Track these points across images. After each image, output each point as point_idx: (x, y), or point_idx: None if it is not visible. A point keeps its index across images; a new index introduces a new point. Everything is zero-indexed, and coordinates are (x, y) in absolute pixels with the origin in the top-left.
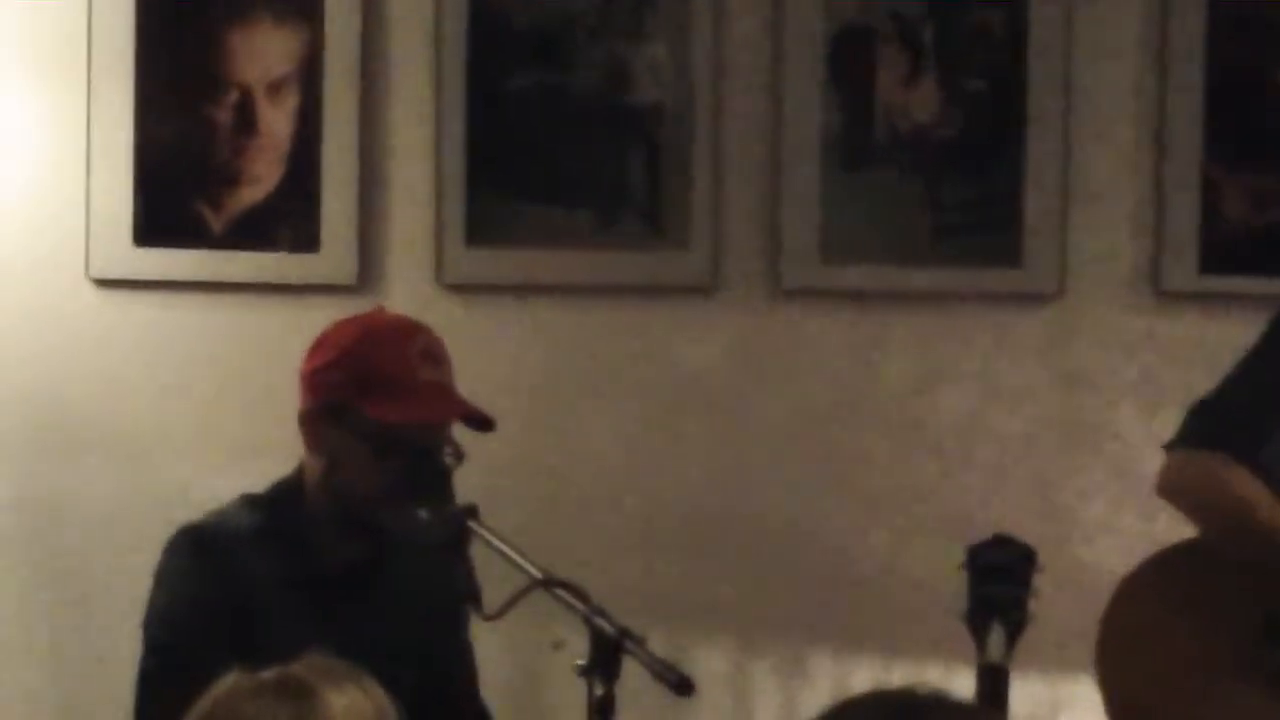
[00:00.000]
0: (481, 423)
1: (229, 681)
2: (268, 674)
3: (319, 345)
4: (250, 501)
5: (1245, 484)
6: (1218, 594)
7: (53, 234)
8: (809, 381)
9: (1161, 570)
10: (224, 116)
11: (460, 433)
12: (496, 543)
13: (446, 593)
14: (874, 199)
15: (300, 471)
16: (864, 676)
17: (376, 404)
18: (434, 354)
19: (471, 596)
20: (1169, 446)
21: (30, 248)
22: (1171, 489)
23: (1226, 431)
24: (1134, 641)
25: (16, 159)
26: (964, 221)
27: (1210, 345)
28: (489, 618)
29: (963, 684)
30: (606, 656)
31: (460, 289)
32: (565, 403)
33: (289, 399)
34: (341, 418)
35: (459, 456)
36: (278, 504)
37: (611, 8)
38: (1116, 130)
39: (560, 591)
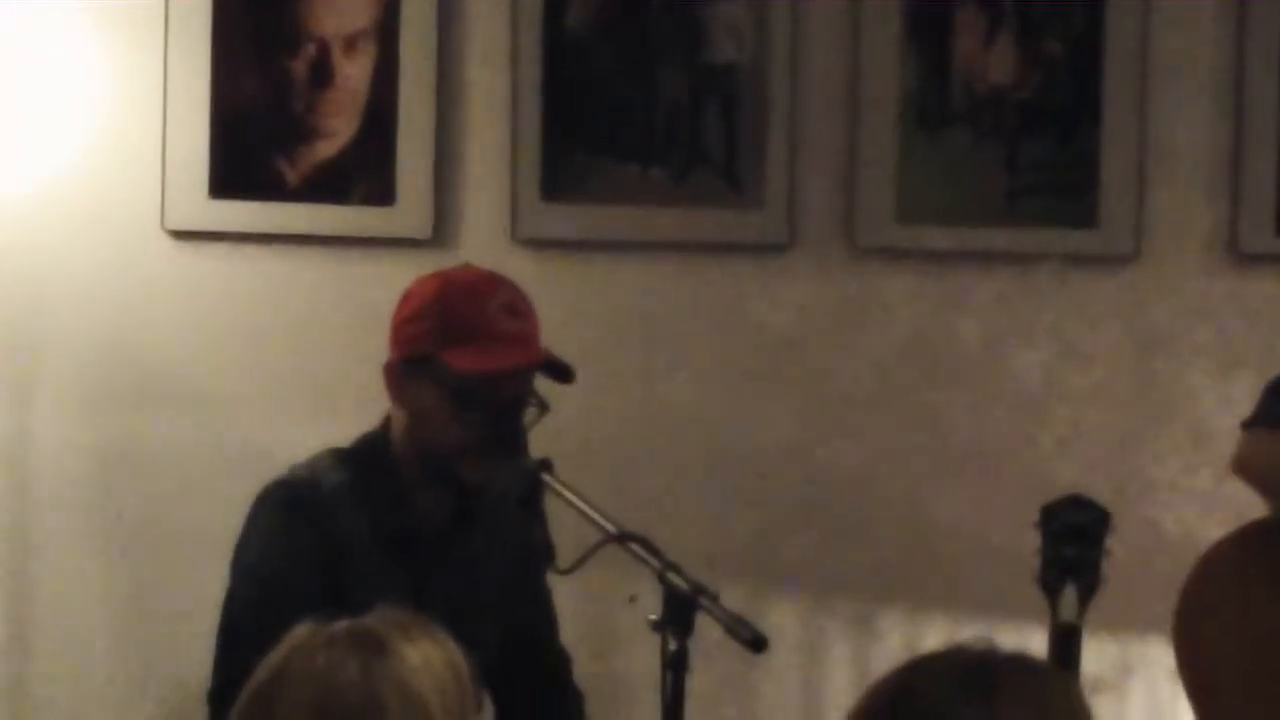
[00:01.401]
0: (561, 372)
1: (302, 633)
2: (340, 626)
3: (405, 299)
4: (338, 456)
5: None
6: None
7: (128, 185)
8: (883, 340)
9: (1243, 546)
10: (300, 70)
11: (541, 387)
12: (571, 497)
13: (524, 547)
14: (950, 159)
15: (386, 425)
16: (935, 635)
17: (458, 354)
18: (516, 307)
19: (545, 551)
20: (1246, 425)
21: (106, 199)
22: (1249, 468)
23: None
24: (1213, 619)
25: (94, 110)
26: (1040, 183)
27: None
28: (563, 572)
29: (1035, 644)
30: (680, 612)
31: (534, 244)
32: (638, 360)
33: (364, 352)
34: (425, 370)
35: (543, 407)
36: (366, 458)
37: None
38: (1194, 92)
39: (634, 546)
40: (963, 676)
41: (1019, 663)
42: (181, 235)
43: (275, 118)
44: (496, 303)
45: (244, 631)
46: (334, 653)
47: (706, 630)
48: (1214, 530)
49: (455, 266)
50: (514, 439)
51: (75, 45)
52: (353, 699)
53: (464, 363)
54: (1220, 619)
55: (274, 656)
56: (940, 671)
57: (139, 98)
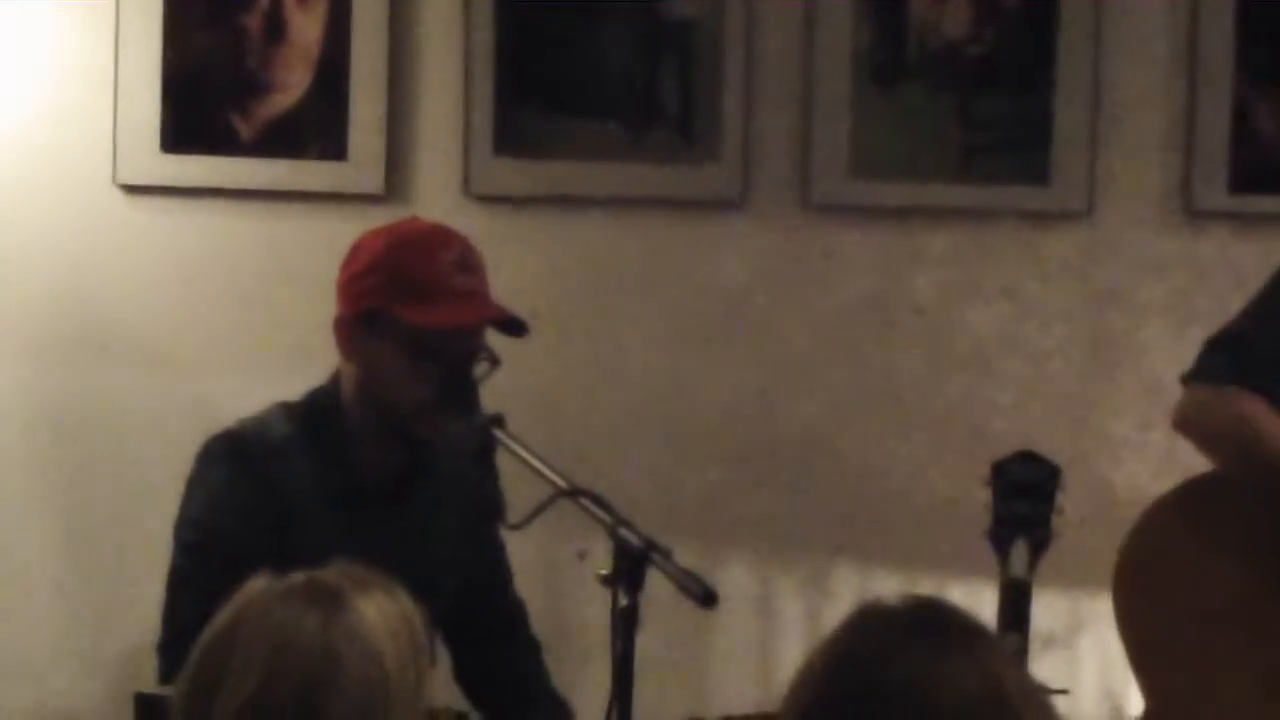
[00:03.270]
0: (514, 327)
1: (259, 585)
2: (297, 579)
3: (354, 253)
4: (286, 410)
5: (1266, 419)
6: (1240, 528)
7: (80, 140)
8: (838, 296)
9: (1182, 504)
10: (253, 23)
11: (493, 341)
12: (522, 452)
13: (477, 500)
14: (905, 115)
15: (336, 381)
16: (887, 591)
17: (411, 309)
18: (468, 261)
19: (496, 505)
20: (1186, 380)
21: (58, 154)
22: (1189, 423)
23: (1247, 366)
24: (1153, 575)
25: (45, 65)
26: (995, 139)
27: (1240, 265)
28: (513, 527)
29: (986, 599)
30: (631, 567)
31: (488, 200)
32: (593, 316)
33: (315, 307)
34: (377, 324)
35: (495, 362)
36: (315, 413)
37: None
38: (1148, 47)
39: (585, 501)
40: (908, 627)
41: (963, 617)
42: (133, 190)
43: (228, 71)
44: (449, 257)
45: (193, 582)
46: (289, 606)
47: (658, 586)
48: (1165, 486)
49: (403, 219)
50: (467, 394)
51: (24, 7)
52: (309, 652)
53: (418, 318)
54: (1159, 577)
55: (228, 610)
56: (887, 622)
57: (91, 52)
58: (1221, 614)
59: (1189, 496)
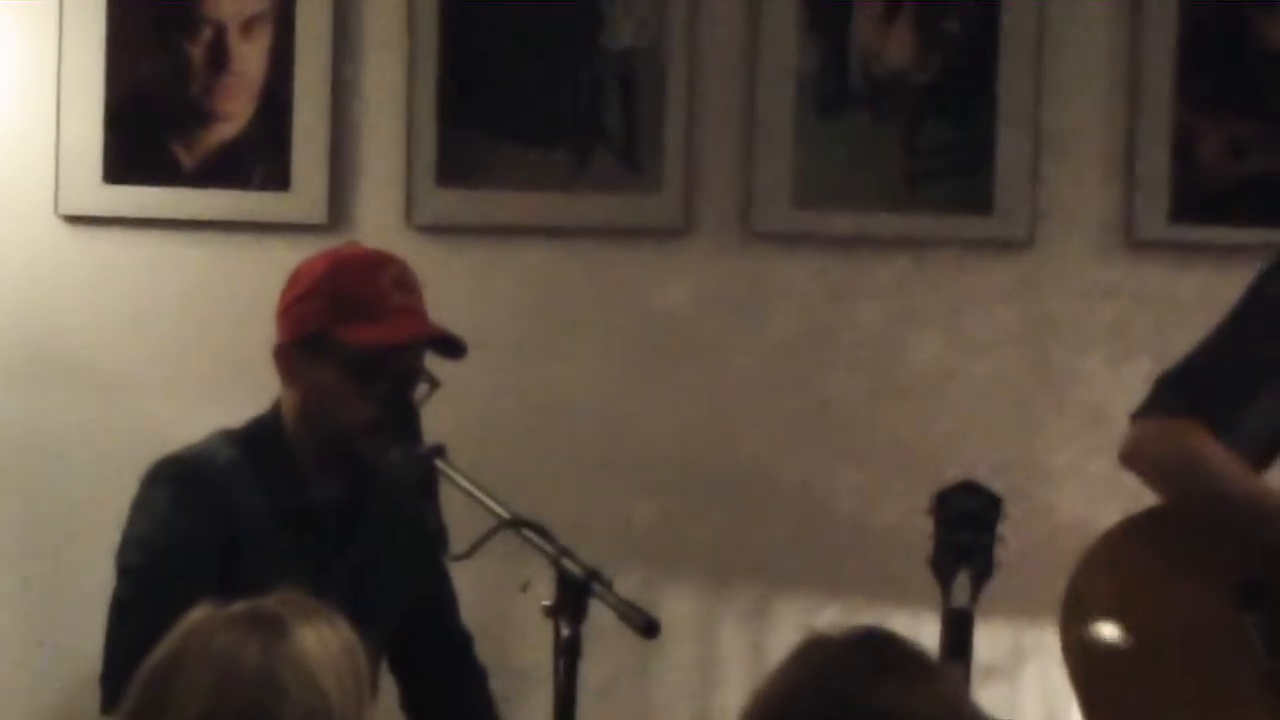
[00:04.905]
0: (453, 348)
1: (201, 614)
2: (239, 607)
3: (293, 280)
4: (229, 436)
5: (1215, 455)
6: (1188, 561)
7: (22, 170)
8: (780, 324)
9: (1133, 535)
10: (197, 53)
11: (434, 366)
12: (464, 483)
13: (420, 530)
14: (848, 143)
15: (278, 408)
16: (831, 621)
17: (352, 329)
18: (406, 282)
19: (437, 536)
20: (1136, 415)
21: (0, 184)
22: (1138, 458)
23: (1197, 401)
24: (1102, 607)
25: None
26: (937, 167)
27: (1181, 295)
28: (457, 558)
29: (928, 629)
30: (573, 598)
31: (430, 229)
32: (537, 344)
33: (258, 336)
34: (319, 347)
35: (434, 384)
36: (257, 439)
37: None
38: (1089, 77)
39: (527, 532)
40: (870, 660)
41: (913, 648)
42: (76, 220)
43: (171, 101)
44: (387, 277)
45: (136, 609)
46: (233, 635)
47: (600, 616)
48: (1109, 516)
49: (341, 245)
50: (409, 417)
51: None
52: (251, 680)
53: (359, 337)
54: (1108, 609)
55: (171, 638)
56: (833, 657)
57: (33, 81)
58: (1171, 647)
59: (1138, 529)
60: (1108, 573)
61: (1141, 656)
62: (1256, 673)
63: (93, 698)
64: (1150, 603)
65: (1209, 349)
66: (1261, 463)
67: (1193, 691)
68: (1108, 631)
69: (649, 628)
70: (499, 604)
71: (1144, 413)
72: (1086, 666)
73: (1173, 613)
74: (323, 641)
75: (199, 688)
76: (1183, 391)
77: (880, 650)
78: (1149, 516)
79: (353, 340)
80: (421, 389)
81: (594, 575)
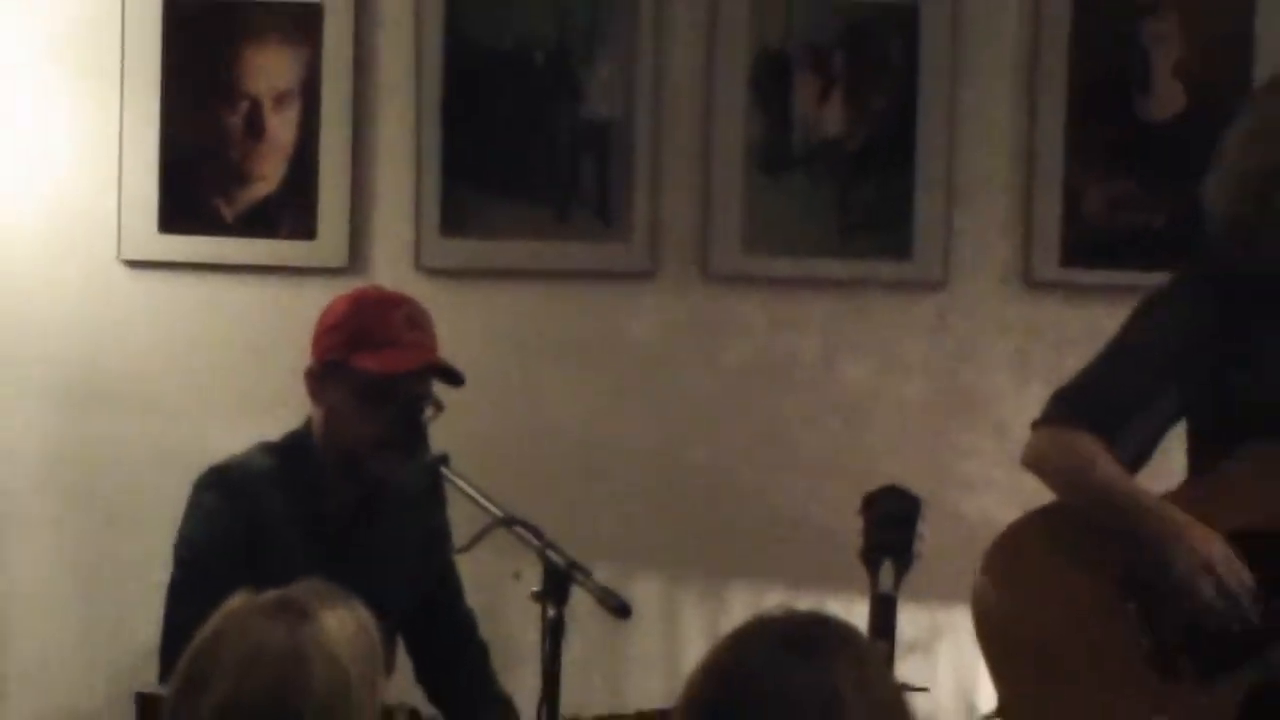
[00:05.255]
0: (453, 377)
1: (237, 601)
2: (269, 595)
3: (323, 315)
4: (266, 448)
5: (1102, 460)
6: (1081, 550)
7: (88, 221)
8: (732, 353)
9: (1035, 526)
10: (236, 122)
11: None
12: (465, 486)
13: (428, 528)
14: (789, 200)
15: (308, 424)
16: (775, 604)
17: (365, 358)
18: (416, 319)
19: (444, 532)
20: (1036, 424)
21: (69, 233)
22: (1036, 462)
23: (1088, 413)
24: (1008, 587)
25: (58, 156)
26: (865, 220)
27: (1072, 327)
28: (458, 551)
29: (858, 612)
30: (557, 585)
31: (436, 273)
32: (525, 371)
33: (289, 364)
34: (338, 374)
35: (438, 407)
36: (290, 450)
37: (568, 35)
38: (993, 143)
39: (518, 529)
40: (786, 639)
41: (835, 625)
42: (135, 265)
43: (215, 164)
44: (399, 315)
45: (186, 594)
46: (264, 618)
47: (581, 601)
48: (1010, 515)
49: (365, 286)
50: (415, 434)
51: (43, 100)
52: (279, 657)
53: (370, 365)
54: (1014, 589)
55: (212, 621)
56: (767, 636)
57: (98, 145)
58: (1067, 621)
59: (1040, 521)
60: (1012, 561)
61: (1039, 633)
62: (1135, 652)
63: (152, 668)
64: (1047, 588)
65: (1097, 370)
66: (1136, 466)
67: (1081, 665)
68: (1011, 612)
69: (622, 610)
70: (495, 590)
71: (1042, 423)
72: (995, 637)
73: (1066, 597)
74: (342, 623)
75: (234, 663)
76: (1075, 406)
77: (797, 630)
78: (1045, 514)
79: (364, 367)
80: (428, 411)
81: (575, 566)
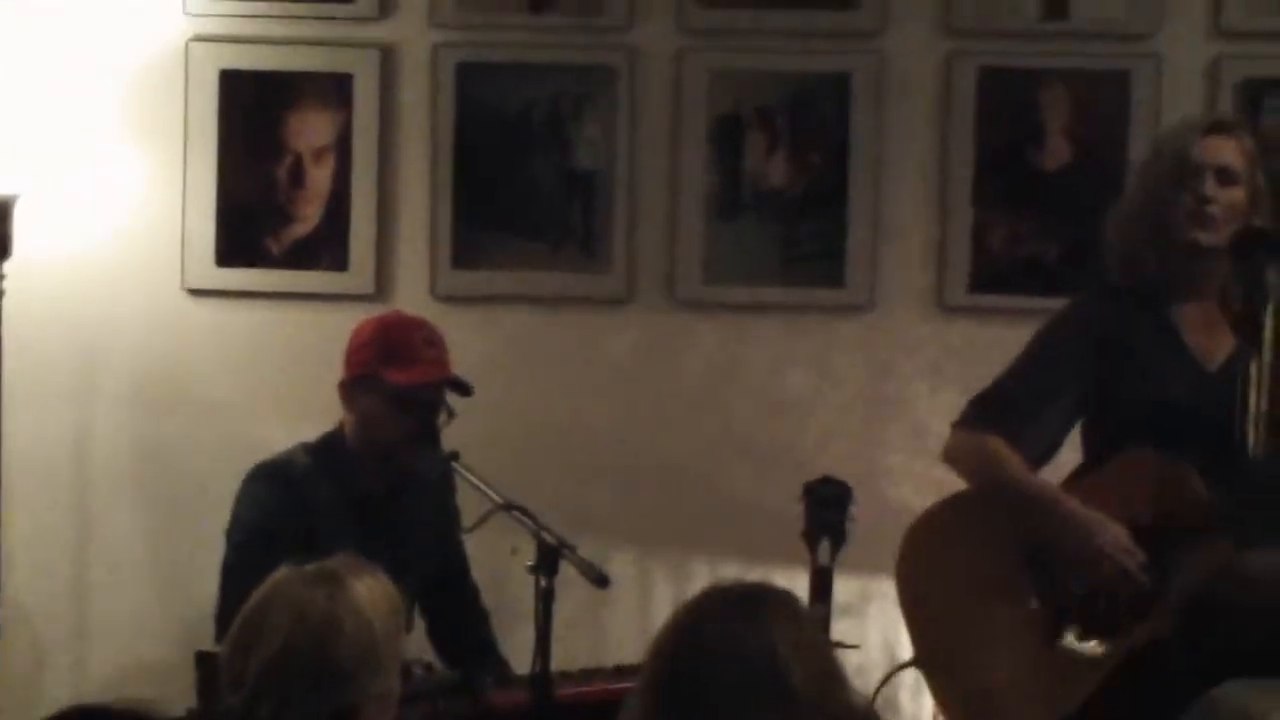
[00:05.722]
0: (463, 388)
1: (282, 573)
2: (310, 567)
3: (355, 334)
4: (305, 447)
5: (1008, 457)
6: (990, 532)
7: (156, 255)
8: (694, 366)
9: (951, 507)
10: (282, 174)
11: (451, 400)
12: (472, 478)
13: (441, 512)
14: (742, 238)
15: (341, 426)
16: (730, 576)
17: (392, 372)
18: (432, 339)
19: (454, 515)
20: (954, 425)
21: (140, 266)
22: (953, 458)
23: (997, 416)
24: (926, 556)
25: (131, 202)
26: (805, 254)
27: (978, 344)
28: (465, 531)
29: (800, 582)
30: (548, 560)
31: (448, 299)
32: (522, 381)
33: (327, 375)
34: (368, 384)
35: (451, 414)
36: (326, 448)
37: (560, 100)
38: (913, 188)
39: (515, 513)
40: (737, 603)
41: (777, 593)
42: (196, 293)
43: (264, 208)
44: (419, 335)
45: (239, 568)
46: (305, 586)
47: (568, 573)
48: (925, 501)
49: (388, 312)
50: (431, 434)
51: (119, 155)
52: (319, 619)
53: (397, 378)
54: (931, 558)
55: (261, 589)
56: (719, 602)
57: (164, 190)
58: (975, 586)
59: (952, 507)
60: (933, 532)
61: (949, 599)
62: (1029, 616)
63: (209, 631)
64: (957, 561)
65: (1006, 379)
66: (1043, 461)
67: (983, 627)
68: (927, 581)
69: (602, 581)
70: (497, 564)
71: (959, 425)
72: (913, 598)
73: (972, 569)
74: (370, 590)
75: (281, 624)
76: (986, 410)
77: (745, 596)
78: (956, 500)
79: (392, 380)
80: (443, 416)
81: (563, 543)
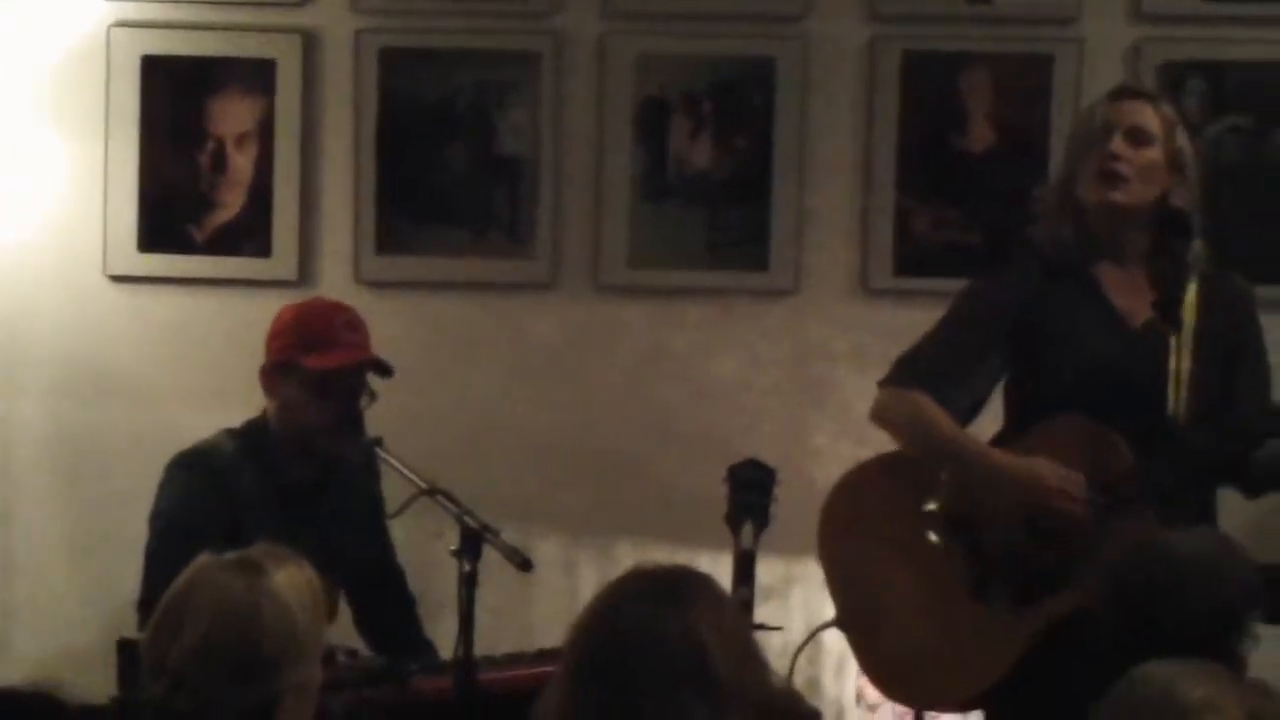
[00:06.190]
0: (384, 369)
1: (203, 561)
2: (230, 555)
3: (275, 321)
4: (229, 433)
5: (934, 413)
6: (913, 494)
7: (78, 242)
8: (621, 351)
9: (871, 472)
10: (204, 159)
11: (374, 384)
12: (395, 463)
13: (366, 499)
14: (667, 222)
15: (264, 413)
16: (654, 560)
17: (311, 358)
18: (353, 323)
19: (378, 501)
20: (880, 384)
21: (63, 251)
22: (880, 415)
23: (920, 374)
24: (847, 520)
25: (53, 188)
26: (730, 238)
27: (903, 326)
28: (390, 516)
29: (723, 564)
30: (472, 544)
31: (373, 285)
32: (448, 366)
33: (249, 362)
34: (288, 371)
35: (373, 396)
36: (250, 435)
37: (485, 87)
38: (836, 174)
39: (440, 498)
40: (658, 587)
41: (697, 577)
42: (118, 279)
43: (186, 194)
44: (339, 321)
45: (161, 556)
46: (225, 575)
47: (492, 557)
48: None
49: (308, 298)
50: (354, 420)
51: (41, 138)
52: (238, 606)
53: (315, 362)
54: (851, 522)
55: (183, 576)
56: (640, 586)
57: (86, 177)
58: (897, 547)
59: (875, 468)
60: (853, 496)
61: (871, 560)
62: (955, 578)
63: (133, 618)
64: (879, 522)
65: (931, 337)
66: (969, 418)
67: (905, 589)
68: (849, 541)
69: (525, 564)
70: (421, 549)
71: (886, 383)
72: (834, 562)
73: (895, 530)
74: (290, 578)
75: (201, 613)
76: (912, 368)
77: (665, 579)
78: (880, 461)
79: (310, 366)
80: (364, 399)
81: (486, 528)
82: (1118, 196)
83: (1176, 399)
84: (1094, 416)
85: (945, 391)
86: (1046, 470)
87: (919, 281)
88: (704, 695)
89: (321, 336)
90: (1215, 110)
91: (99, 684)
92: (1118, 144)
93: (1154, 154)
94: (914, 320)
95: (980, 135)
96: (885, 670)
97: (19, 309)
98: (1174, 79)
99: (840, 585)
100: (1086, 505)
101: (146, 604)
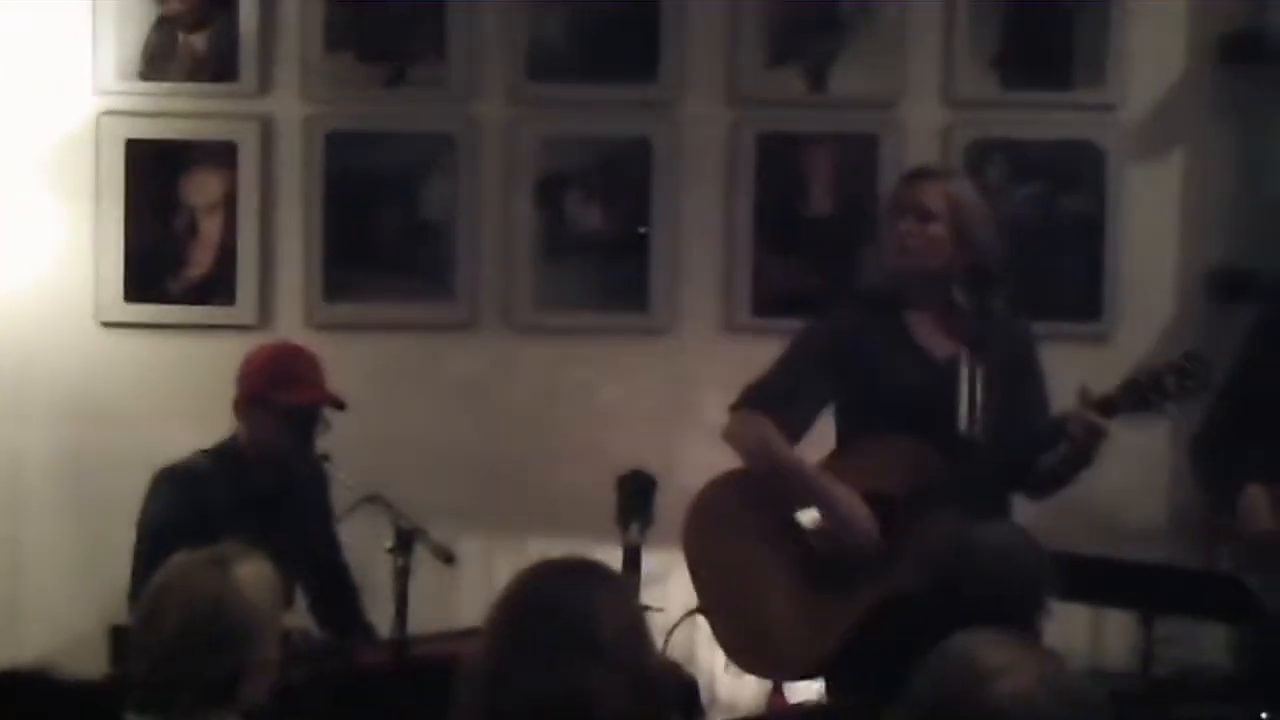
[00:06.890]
0: (338, 404)
1: (180, 556)
2: (201, 553)
3: (247, 361)
4: (204, 452)
5: (772, 435)
6: (759, 498)
7: (72, 291)
8: (528, 381)
9: (727, 480)
10: (179, 225)
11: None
12: (339, 475)
13: (318, 506)
14: (566, 273)
15: (235, 435)
16: (559, 551)
17: (280, 394)
18: (314, 363)
19: (328, 507)
20: (731, 408)
21: (61, 301)
22: (729, 437)
23: (763, 400)
24: (706, 519)
25: (52, 248)
26: (617, 286)
27: (761, 359)
28: (337, 520)
29: (615, 557)
30: (405, 542)
31: (322, 327)
32: (386, 396)
33: (222, 393)
34: (259, 403)
35: (327, 425)
36: (222, 454)
37: (414, 163)
38: (705, 235)
39: (378, 504)
40: (563, 572)
41: (596, 565)
42: (108, 325)
43: (164, 253)
44: (303, 361)
45: (146, 555)
46: (197, 569)
47: (421, 553)
48: None
49: (275, 341)
50: (310, 443)
51: (41, 207)
52: (210, 597)
53: (282, 398)
54: (710, 520)
55: (161, 572)
56: (548, 572)
57: (77, 237)
58: (748, 543)
59: (729, 479)
60: (712, 500)
61: (726, 555)
62: (791, 570)
63: (124, 608)
64: (736, 517)
65: (771, 369)
66: (797, 438)
67: (755, 579)
68: (707, 540)
69: (450, 559)
70: (363, 548)
71: (734, 408)
72: (696, 556)
73: (745, 530)
74: (252, 572)
75: (176, 603)
76: (755, 395)
77: (573, 566)
78: (732, 475)
79: (280, 401)
80: (320, 427)
81: (417, 529)
82: (908, 263)
83: (972, 419)
84: (906, 435)
85: (781, 415)
86: (843, 500)
87: (773, 321)
88: (595, 657)
89: (289, 376)
90: (1015, 180)
91: (97, 664)
92: (907, 223)
93: (938, 229)
94: (770, 353)
95: (820, 202)
96: (737, 646)
97: (24, 349)
98: (980, 155)
99: (701, 578)
100: (868, 535)
101: (135, 596)
